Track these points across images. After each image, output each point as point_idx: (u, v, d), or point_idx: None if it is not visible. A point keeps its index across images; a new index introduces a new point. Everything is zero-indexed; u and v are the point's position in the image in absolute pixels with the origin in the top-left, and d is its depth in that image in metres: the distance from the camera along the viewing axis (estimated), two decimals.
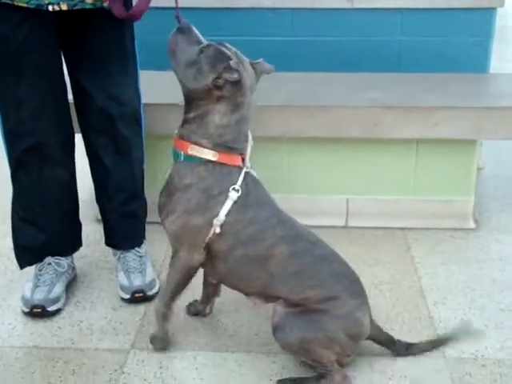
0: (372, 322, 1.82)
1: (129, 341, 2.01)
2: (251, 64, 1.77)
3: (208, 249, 1.78)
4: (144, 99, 2.19)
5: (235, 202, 1.73)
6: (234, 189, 1.73)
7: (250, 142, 1.81)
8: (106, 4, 1.88)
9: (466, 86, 2.70)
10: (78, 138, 2.17)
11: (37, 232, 2.15)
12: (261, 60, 1.81)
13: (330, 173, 2.65)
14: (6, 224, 2.27)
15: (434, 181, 2.64)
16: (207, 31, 2.96)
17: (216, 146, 1.73)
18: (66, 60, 2.03)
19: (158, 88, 2.51)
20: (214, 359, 1.92)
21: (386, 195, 2.67)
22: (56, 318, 2.11)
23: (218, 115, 1.71)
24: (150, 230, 2.62)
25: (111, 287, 2.28)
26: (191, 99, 1.73)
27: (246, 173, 1.77)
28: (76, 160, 2.18)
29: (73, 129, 2.13)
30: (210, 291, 2.06)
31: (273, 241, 1.74)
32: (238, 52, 1.75)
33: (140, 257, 2.27)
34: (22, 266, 2.22)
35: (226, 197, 1.72)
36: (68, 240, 2.26)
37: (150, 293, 2.19)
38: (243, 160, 1.78)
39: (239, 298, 1.91)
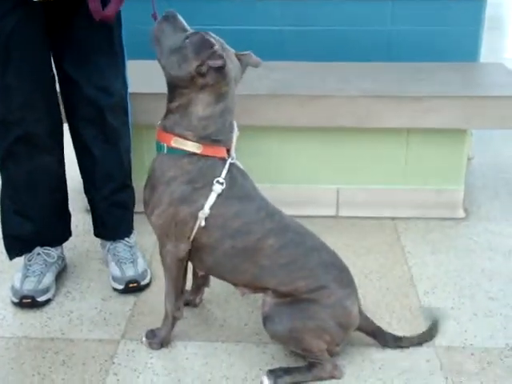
0: (361, 312, 1.83)
1: (119, 331, 2.01)
2: (237, 55, 1.75)
3: (194, 241, 1.77)
4: (130, 88, 2.18)
5: (220, 195, 1.71)
6: (217, 181, 1.71)
7: (236, 133, 1.80)
8: None
9: (456, 75, 2.70)
10: (65, 128, 2.16)
11: (26, 222, 2.14)
12: (248, 52, 1.78)
13: (321, 162, 2.65)
14: None
15: (424, 170, 2.64)
16: (195, 20, 2.94)
17: (200, 139, 1.70)
18: (53, 50, 2.01)
19: (143, 77, 2.50)
20: (205, 349, 1.92)
21: (376, 185, 2.67)
22: (46, 309, 2.11)
23: (201, 105, 1.69)
24: (139, 221, 2.61)
25: (101, 277, 2.27)
26: (174, 87, 1.71)
27: (231, 164, 1.75)
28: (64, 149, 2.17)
29: (61, 118, 2.12)
30: (200, 281, 2.06)
31: (262, 234, 1.73)
32: (223, 42, 1.73)
33: (130, 247, 2.26)
34: (11, 257, 2.21)
35: (210, 189, 1.71)
36: (57, 230, 2.26)
37: (143, 282, 2.19)
38: (228, 151, 1.76)
39: (229, 288, 1.91)
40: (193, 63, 1.65)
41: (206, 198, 1.71)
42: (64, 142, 2.16)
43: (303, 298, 1.72)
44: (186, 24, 1.75)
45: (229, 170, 1.74)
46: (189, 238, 1.76)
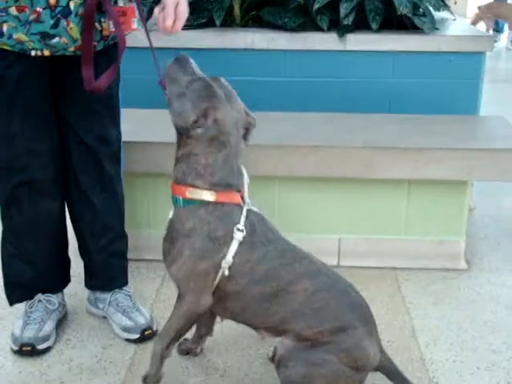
0: (382, 352, 1.79)
1: (118, 380, 1.99)
2: (244, 109, 1.78)
3: (217, 291, 1.75)
4: (123, 137, 2.22)
5: (241, 242, 1.71)
6: (238, 229, 1.71)
7: (247, 179, 1.81)
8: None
9: (457, 128, 2.74)
10: None
11: (27, 268, 2.15)
12: (250, 113, 1.80)
13: (322, 212, 2.66)
14: None
15: (425, 221, 2.65)
16: (202, 71, 3.01)
17: (212, 186, 1.72)
18: (55, 98, 2.04)
19: (135, 126, 2.54)
20: None
21: (377, 235, 2.68)
22: (45, 357, 2.10)
23: (202, 154, 1.70)
24: (142, 268, 2.62)
25: (102, 325, 2.26)
26: (179, 135, 1.74)
27: (248, 210, 1.76)
28: None
29: (63, 164, 2.13)
30: (203, 330, 2.05)
31: (293, 277, 1.72)
32: (230, 88, 1.76)
33: (129, 296, 2.26)
34: (11, 303, 2.21)
35: (231, 238, 1.70)
36: (58, 276, 2.26)
37: (155, 328, 2.19)
38: (242, 198, 1.77)
39: (230, 337, 1.90)
40: (190, 116, 1.68)
41: (228, 246, 1.70)
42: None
43: (322, 341, 1.69)
44: (197, 69, 1.77)
45: (247, 216, 1.74)
46: (211, 290, 1.75)
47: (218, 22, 2.99)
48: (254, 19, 3.13)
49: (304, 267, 1.75)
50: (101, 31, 1.93)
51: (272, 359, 1.99)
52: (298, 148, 2.50)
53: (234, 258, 1.71)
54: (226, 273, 1.71)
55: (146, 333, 2.16)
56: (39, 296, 2.19)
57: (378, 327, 2.23)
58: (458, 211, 2.64)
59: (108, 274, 2.26)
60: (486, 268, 2.69)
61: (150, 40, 1.94)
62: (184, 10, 1.90)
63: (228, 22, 3.09)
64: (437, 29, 3.03)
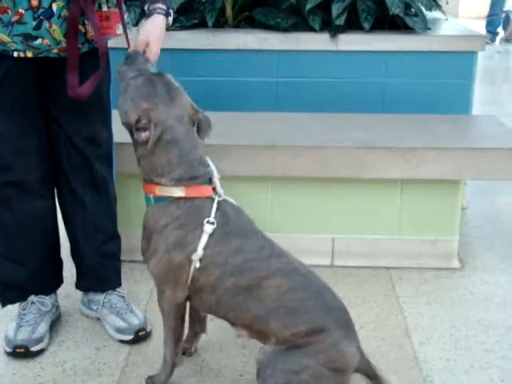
0: (362, 353, 1.78)
1: (112, 382, 1.98)
2: (192, 106, 1.79)
3: (192, 284, 1.77)
4: (115, 138, 2.22)
5: (212, 234, 1.72)
6: (208, 222, 1.72)
7: (215, 170, 1.81)
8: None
9: (449, 127, 2.75)
10: None
11: (17, 268, 2.14)
12: (202, 113, 1.81)
13: (316, 212, 2.66)
14: None
15: (418, 220, 2.66)
16: (195, 72, 3.03)
17: (178, 181, 1.73)
18: (44, 99, 2.03)
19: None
20: None
21: (371, 235, 2.68)
22: (39, 358, 2.09)
23: (155, 155, 1.72)
24: (135, 269, 2.62)
25: (95, 327, 2.26)
26: (129, 134, 1.77)
27: (222, 202, 1.77)
28: None
29: (52, 164, 2.13)
30: (198, 328, 2.05)
31: (267, 273, 1.72)
32: (174, 85, 1.76)
33: (123, 297, 2.26)
34: (3, 304, 2.20)
35: (202, 230, 1.72)
36: (49, 277, 2.25)
37: (148, 329, 2.18)
38: (214, 189, 1.78)
39: (224, 337, 1.90)
40: (132, 115, 1.72)
41: (199, 239, 1.72)
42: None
43: (298, 344, 1.69)
44: (146, 65, 1.79)
45: (219, 208, 1.75)
46: (186, 281, 1.76)
47: (210, 23, 2.99)
48: (246, 20, 3.13)
49: (280, 264, 1.75)
50: (85, 34, 1.93)
51: None
52: (290, 148, 2.50)
53: (205, 250, 1.72)
54: (197, 265, 1.72)
55: (140, 334, 2.16)
56: (32, 298, 2.18)
57: (371, 325, 2.25)
58: (451, 210, 2.65)
59: (100, 275, 2.25)
60: (479, 267, 2.70)
61: (128, 43, 1.95)
62: (155, 52, 1.91)
63: (220, 23, 3.09)
64: (429, 29, 3.04)
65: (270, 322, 1.72)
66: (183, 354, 2.05)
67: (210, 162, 1.82)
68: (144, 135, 1.71)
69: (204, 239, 1.72)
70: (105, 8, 1.90)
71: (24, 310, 2.16)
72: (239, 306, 1.75)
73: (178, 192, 1.74)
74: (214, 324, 2.06)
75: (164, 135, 1.71)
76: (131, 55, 1.81)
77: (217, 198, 1.76)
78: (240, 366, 2.05)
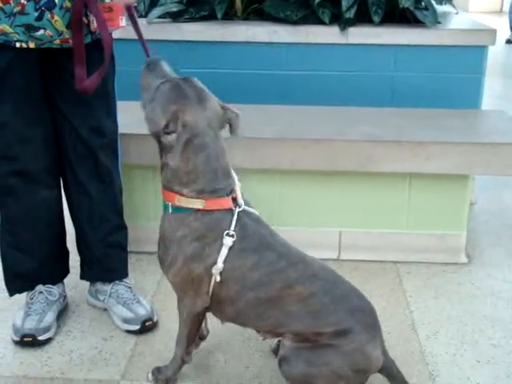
0: (385, 354, 1.78)
1: (119, 372, 1.99)
2: (221, 105, 1.74)
3: (213, 296, 1.75)
4: (121, 129, 2.22)
5: (232, 247, 1.69)
6: (227, 234, 1.69)
7: (236, 180, 1.77)
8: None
9: (458, 122, 2.74)
10: None
11: (25, 258, 2.15)
12: (233, 111, 1.75)
13: (323, 205, 2.66)
14: None
15: (426, 215, 2.65)
16: (204, 64, 3.02)
17: (199, 194, 1.69)
18: (48, 90, 2.04)
19: (132, 118, 2.53)
20: None
21: (378, 228, 2.68)
22: (46, 348, 2.10)
23: (181, 161, 1.66)
24: (142, 260, 2.62)
25: (102, 317, 2.27)
26: (158, 142, 1.71)
27: (242, 213, 1.73)
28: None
29: (58, 153, 2.13)
30: (200, 334, 2.00)
31: (286, 283, 1.70)
32: (201, 87, 1.71)
33: (130, 288, 2.27)
34: (11, 293, 2.21)
35: (221, 244, 1.69)
36: (57, 266, 2.26)
37: (155, 320, 2.19)
38: (234, 200, 1.74)
39: (230, 330, 1.90)
40: (161, 120, 1.65)
41: (218, 252, 1.69)
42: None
43: (324, 344, 1.69)
44: (169, 70, 1.74)
45: (239, 220, 1.71)
46: (207, 292, 1.75)
47: (219, 15, 2.99)
48: (255, 12, 3.12)
49: (298, 273, 1.72)
50: (88, 25, 1.92)
51: (275, 351, 2.00)
52: (299, 141, 2.50)
53: (225, 263, 1.69)
54: (218, 278, 1.70)
55: (147, 324, 2.16)
56: (40, 287, 2.19)
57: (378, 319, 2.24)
58: (459, 205, 2.64)
59: (106, 265, 2.26)
60: (486, 262, 2.69)
61: (146, 52, 1.92)
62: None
63: (229, 15, 3.08)
64: (439, 22, 3.03)
65: (292, 324, 1.72)
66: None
67: (233, 172, 1.77)
68: (170, 138, 1.64)
69: (224, 252, 1.69)
70: (108, 0, 1.89)
71: (31, 299, 2.17)
72: (260, 315, 1.74)
73: (198, 204, 1.69)
74: None
75: (193, 138, 1.65)
76: (151, 62, 1.75)
77: (237, 210, 1.72)
78: (246, 358, 2.06)
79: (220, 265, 1.69)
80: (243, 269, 1.70)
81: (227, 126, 1.76)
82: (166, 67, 1.76)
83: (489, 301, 2.40)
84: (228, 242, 1.69)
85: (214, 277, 1.71)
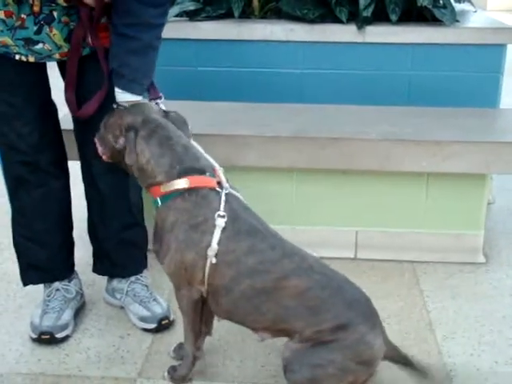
0: (388, 342, 1.78)
1: (135, 369, 2.00)
2: (165, 111, 1.87)
3: (209, 285, 1.76)
4: None
5: (224, 229, 1.70)
6: (219, 215, 1.70)
7: (217, 165, 1.81)
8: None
9: (476, 121, 2.72)
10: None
11: (39, 250, 2.16)
12: (174, 112, 1.88)
13: (340, 205, 2.65)
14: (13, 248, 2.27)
15: (443, 214, 2.64)
16: (220, 63, 3.03)
17: (176, 175, 1.74)
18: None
19: None
20: None
21: (395, 228, 2.67)
22: (64, 345, 2.12)
23: (140, 155, 1.77)
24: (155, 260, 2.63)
25: (119, 315, 2.28)
26: (123, 164, 1.84)
27: (230, 196, 1.75)
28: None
29: (64, 144, 2.16)
30: (202, 328, 1.96)
31: (281, 274, 1.70)
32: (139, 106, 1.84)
33: (146, 286, 2.27)
34: (25, 284, 2.23)
35: (213, 225, 1.70)
36: (67, 259, 2.26)
37: (171, 318, 2.20)
38: (219, 183, 1.76)
39: (246, 328, 1.89)
40: (113, 142, 1.82)
41: (211, 234, 1.70)
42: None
43: (325, 340, 1.69)
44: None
45: (227, 203, 1.73)
46: (202, 280, 1.75)
47: (236, 14, 2.99)
48: (272, 10, 3.12)
49: (294, 264, 1.72)
50: (84, 39, 1.91)
51: None
52: (315, 140, 2.49)
53: (218, 245, 1.70)
54: (214, 260, 1.70)
55: (163, 322, 2.17)
56: (57, 285, 2.21)
57: (395, 319, 2.24)
58: (477, 205, 2.62)
59: (117, 261, 2.26)
60: (504, 262, 2.67)
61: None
62: None
63: (247, 14, 3.08)
64: (457, 21, 3.00)
65: (292, 321, 1.72)
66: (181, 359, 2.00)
67: (207, 156, 1.83)
68: (121, 141, 1.79)
69: (217, 233, 1.70)
70: (103, 20, 1.90)
71: (49, 296, 2.19)
72: (258, 308, 1.73)
73: (183, 183, 1.73)
74: None
75: (138, 132, 1.76)
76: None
77: (224, 191, 1.75)
78: (261, 357, 2.06)
79: (214, 245, 1.70)
80: (238, 253, 1.71)
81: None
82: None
83: (507, 301, 2.39)
84: (220, 222, 1.70)
85: (208, 260, 1.71)
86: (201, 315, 1.91)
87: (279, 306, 1.71)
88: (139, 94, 1.89)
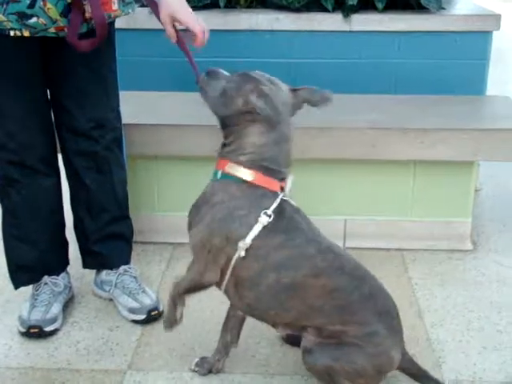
0: (405, 354, 1.78)
1: (125, 362, 2.00)
2: (292, 89, 1.78)
3: (232, 276, 1.71)
4: (124, 120, 2.21)
5: (264, 227, 1.67)
6: (265, 213, 1.67)
7: (291, 175, 1.77)
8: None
9: (463, 108, 2.72)
10: None
11: (30, 249, 2.15)
12: (306, 87, 1.81)
13: (328, 194, 2.65)
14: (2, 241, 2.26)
15: (431, 202, 2.64)
16: (206, 53, 3.00)
17: (254, 166, 1.68)
18: (48, 82, 2.03)
19: (135, 108, 2.53)
20: (211, 380, 1.92)
21: (383, 216, 2.67)
22: (53, 339, 2.11)
23: (254, 136, 1.67)
24: (147, 251, 2.63)
25: (108, 308, 2.27)
26: (227, 126, 1.72)
27: (284, 201, 1.71)
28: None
29: (55, 142, 2.13)
30: (229, 337, 1.93)
31: (311, 272, 1.67)
32: (270, 77, 1.75)
33: (135, 278, 2.27)
34: (16, 287, 2.22)
35: (255, 220, 1.66)
36: (59, 256, 2.26)
37: (161, 309, 2.19)
38: (282, 189, 1.72)
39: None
40: (238, 101, 1.67)
41: (249, 227, 1.66)
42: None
43: (349, 342, 1.68)
44: (227, 74, 1.77)
45: (280, 204, 1.69)
46: (220, 268, 1.71)
47: (222, 4, 2.97)
48: (258, 0, 3.10)
49: (326, 263, 1.69)
50: (83, 13, 1.89)
51: (285, 339, 2.01)
52: (303, 130, 2.48)
53: (253, 240, 1.66)
54: (242, 254, 1.67)
55: (153, 313, 2.17)
56: (45, 278, 2.19)
57: None
58: (464, 192, 2.63)
59: (104, 254, 2.25)
60: (491, 249, 2.69)
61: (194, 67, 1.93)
62: (203, 24, 1.95)
63: (232, 3, 3.06)
64: (443, 8, 3.00)
65: (315, 318, 1.70)
66: (210, 372, 1.95)
67: (291, 163, 1.78)
68: (249, 116, 1.67)
69: (257, 229, 1.66)
70: None
71: (37, 290, 2.18)
72: (281, 304, 1.70)
73: (247, 175, 1.68)
74: (224, 306, 2.06)
75: (270, 114, 1.66)
76: (211, 71, 1.78)
77: (281, 195, 1.71)
78: (252, 346, 2.06)
79: (248, 241, 1.66)
80: (268, 248, 1.68)
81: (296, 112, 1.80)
82: (225, 72, 1.78)
83: (494, 287, 2.40)
84: (264, 220, 1.66)
85: (238, 252, 1.67)
86: (227, 323, 1.91)
87: (304, 304, 1.69)
88: None
